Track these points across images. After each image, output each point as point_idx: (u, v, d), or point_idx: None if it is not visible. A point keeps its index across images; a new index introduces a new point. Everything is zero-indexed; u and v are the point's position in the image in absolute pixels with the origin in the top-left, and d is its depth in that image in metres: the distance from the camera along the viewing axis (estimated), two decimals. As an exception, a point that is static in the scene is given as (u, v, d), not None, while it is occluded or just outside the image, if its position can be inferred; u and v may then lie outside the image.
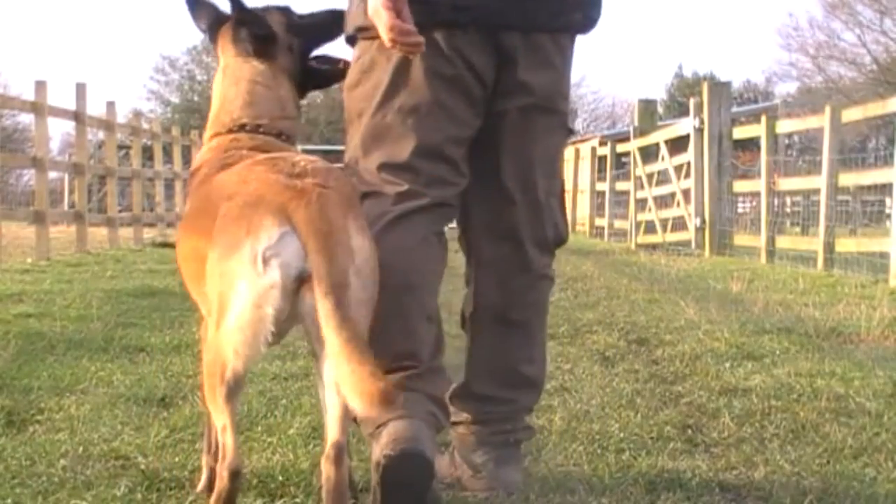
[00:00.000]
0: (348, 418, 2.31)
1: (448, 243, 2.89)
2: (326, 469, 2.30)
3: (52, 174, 21.77)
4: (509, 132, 2.82)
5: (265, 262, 2.23)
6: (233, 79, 2.80)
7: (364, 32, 2.76)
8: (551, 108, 2.84)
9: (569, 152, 25.43)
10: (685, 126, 14.86)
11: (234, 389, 2.33)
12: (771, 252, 12.20)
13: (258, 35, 2.80)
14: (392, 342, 2.62)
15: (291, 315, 2.27)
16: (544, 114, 2.82)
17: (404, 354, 2.67)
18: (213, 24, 2.88)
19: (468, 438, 2.88)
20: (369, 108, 2.78)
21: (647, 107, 19.13)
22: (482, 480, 2.84)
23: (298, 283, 2.23)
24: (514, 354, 2.89)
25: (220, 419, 2.34)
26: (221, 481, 2.33)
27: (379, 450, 2.55)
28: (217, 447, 2.49)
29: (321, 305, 2.18)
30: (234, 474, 2.32)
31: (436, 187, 2.78)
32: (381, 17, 2.57)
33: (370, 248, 2.34)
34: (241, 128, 2.74)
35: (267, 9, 2.88)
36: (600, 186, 21.34)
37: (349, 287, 2.23)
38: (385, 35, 2.58)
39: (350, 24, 2.82)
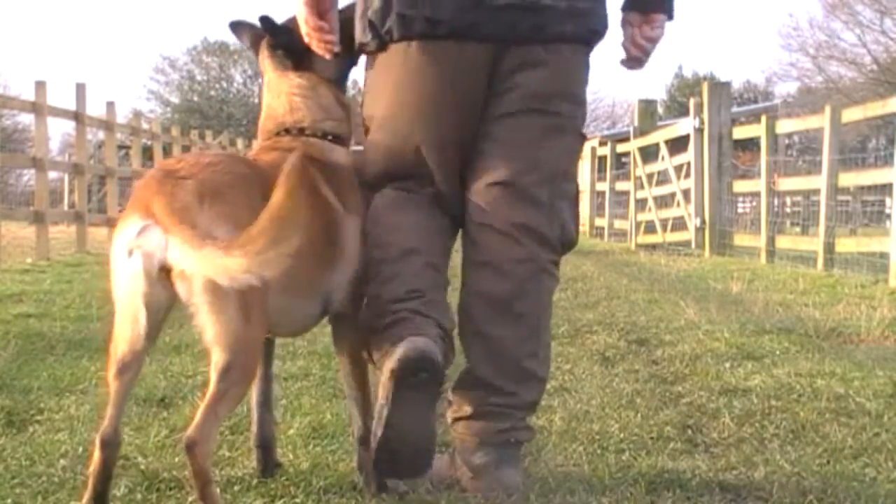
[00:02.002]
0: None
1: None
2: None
3: (52, 174, 21.77)
4: (507, 133, 2.90)
5: (129, 253, 2.43)
6: (275, 92, 2.97)
7: (364, 47, 2.95)
8: (547, 109, 2.89)
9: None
10: (685, 126, 14.85)
11: (122, 369, 2.54)
12: (771, 252, 12.20)
13: (293, 51, 2.95)
14: (401, 283, 2.80)
15: (170, 299, 2.44)
16: (541, 115, 2.89)
17: (413, 289, 2.81)
18: (254, 41, 3.05)
19: (468, 440, 2.88)
20: (373, 118, 2.96)
21: (647, 107, 19.11)
22: (481, 482, 2.84)
23: (166, 270, 2.39)
24: (518, 347, 2.89)
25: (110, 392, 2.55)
26: (96, 450, 2.53)
27: (394, 356, 2.66)
28: (260, 433, 2.97)
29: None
30: (104, 443, 2.52)
31: (434, 187, 2.94)
32: (299, 12, 2.85)
33: (226, 231, 2.41)
34: (286, 132, 2.93)
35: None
36: (600, 186, 21.34)
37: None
38: (301, 27, 2.86)
39: (357, 41, 2.98)
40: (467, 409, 2.89)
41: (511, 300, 2.89)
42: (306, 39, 2.87)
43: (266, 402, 3.05)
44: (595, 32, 2.94)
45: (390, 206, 2.93)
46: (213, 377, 2.49)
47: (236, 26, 3.12)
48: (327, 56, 2.89)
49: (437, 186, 2.93)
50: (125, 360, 2.53)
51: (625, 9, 3.08)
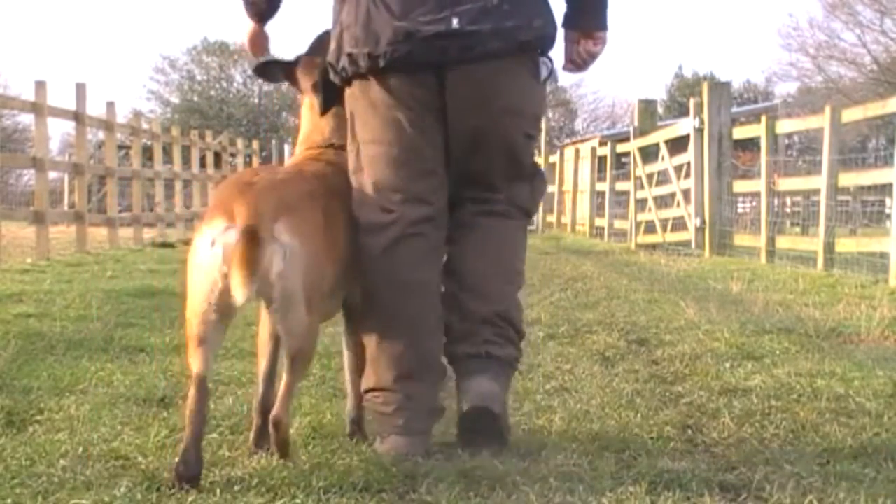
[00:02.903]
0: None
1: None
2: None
3: (52, 174, 21.79)
4: (467, 142, 3.34)
5: (213, 243, 2.87)
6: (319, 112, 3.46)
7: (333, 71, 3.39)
8: (491, 113, 3.31)
9: (569, 152, 25.45)
10: (685, 126, 14.85)
11: (201, 341, 2.90)
12: (771, 252, 12.19)
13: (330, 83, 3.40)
14: (403, 363, 3.23)
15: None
16: (490, 121, 3.32)
17: (410, 371, 3.24)
18: (288, 74, 3.55)
19: (457, 368, 3.31)
20: (351, 140, 3.36)
21: (647, 107, 19.10)
22: (461, 394, 3.26)
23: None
24: (481, 268, 3.33)
25: (193, 354, 2.94)
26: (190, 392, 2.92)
27: (382, 450, 3.18)
28: (263, 402, 3.19)
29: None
30: (200, 379, 2.90)
31: (415, 204, 3.31)
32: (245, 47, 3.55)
33: (291, 242, 2.90)
34: (330, 146, 3.43)
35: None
36: (600, 186, 21.34)
37: (290, 267, 2.87)
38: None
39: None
40: (446, 336, 3.32)
41: (473, 238, 3.35)
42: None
43: (271, 377, 3.27)
44: (525, 44, 3.28)
45: (396, 258, 3.28)
46: (287, 361, 2.96)
47: (263, 70, 3.61)
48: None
49: (429, 201, 3.33)
50: (200, 334, 2.90)
51: (565, 26, 3.47)
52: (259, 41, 3.53)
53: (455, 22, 3.20)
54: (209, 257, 2.84)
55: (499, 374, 3.26)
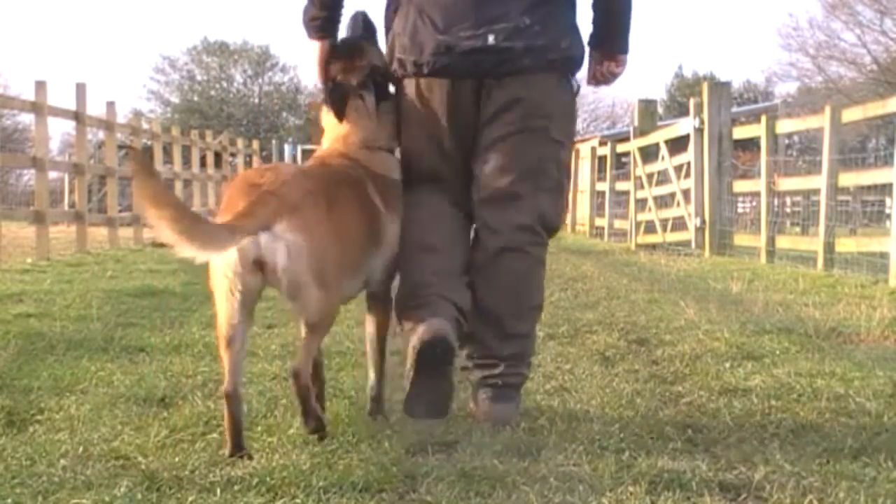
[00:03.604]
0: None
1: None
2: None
3: (52, 174, 21.77)
4: (492, 148, 3.72)
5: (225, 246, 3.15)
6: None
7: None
8: (523, 125, 3.68)
9: (569, 152, 25.46)
10: (685, 126, 14.84)
11: (229, 342, 3.25)
12: (771, 252, 12.19)
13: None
14: (426, 270, 3.65)
15: (261, 283, 3.24)
16: (518, 130, 3.68)
17: (435, 273, 3.65)
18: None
19: (474, 383, 3.74)
20: (403, 132, 3.78)
21: (647, 107, 19.08)
22: (482, 414, 3.66)
23: (258, 262, 3.19)
24: (499, 309, 3.70)
25: (223, 360, 3.32)
26: (225, 405, 3.27)
27: (416, 337, 3.49)
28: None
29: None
30: (228, 396, 3.25)
31: (451, 188, 3.80)
32: (316, 67, 3.79)
33: (294, 238, 3.22)
34: (367, 148, 3.71)
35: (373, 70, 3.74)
36: (600, 186, 21.34)
37: (297, 260, 3.21)
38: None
39: None
40: (470, 359, 3.76)
41: (494, 277, 3.71)
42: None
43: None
44: (556, 62, 3.69)
45: (420, 208, 3.73)
46: (305, 331, 3.34)
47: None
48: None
49: (453, 187, 3.77)
50: (228, 334, 3.25)
51: (590, 45, 3.88)
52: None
53: (491, 38, 3.62)
54: (224, 258, 3.16)
55: (513, 397, 3.71)
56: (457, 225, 3.82)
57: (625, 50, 3.87)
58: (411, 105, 3.73)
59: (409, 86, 3.73)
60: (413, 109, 3.73)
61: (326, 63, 3.74)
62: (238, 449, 3.17)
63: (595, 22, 3.84)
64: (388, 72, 3.77)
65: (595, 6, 3.82)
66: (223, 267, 3.18)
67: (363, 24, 3.79)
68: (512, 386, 3.70)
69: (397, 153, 3.82)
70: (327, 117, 3.75)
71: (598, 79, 3.92)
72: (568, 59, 3.73)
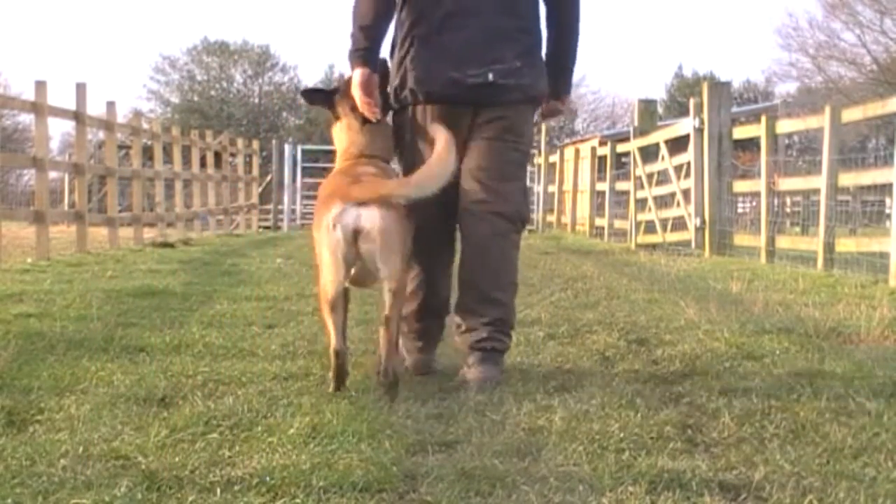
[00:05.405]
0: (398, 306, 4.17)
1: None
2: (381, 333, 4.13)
3: (52, 174, 21.80)
4: (480, 153, 4.57)
5: (334, 226, 4.03)
6: (356, 132, 4.52)
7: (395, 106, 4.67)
8: (503, 139, 4.57)
9: (569, 152, 25.46)
10: (685, 126, 14.84)
11: (334, 305, 4.06)
12: (771, 252, 12.19)
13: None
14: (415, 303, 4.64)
15: (358, 254, 4.04)
16: (501, 143, 4.57)
17: (421, 309, 4.66)
18: (329, 102, 4.62)
19: (464, 347, 4.47)
20: (412, 148, 4.59)
21: (647, 107, 19.07)
22: (471, 374, 4.37)
23: (355, 235, 4.02)
24: (485, 284, 4.49)
25: (328, 324, 4.11)
26: (331, 360, 4.10)
27: (408, 362, 4.63)
28: (340, 349, 4.10)
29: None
30: (337, 353, 4.06)
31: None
32: (355, 91, 4.45)
33: (390, 214, 4.11)
34: (365, 157, 4.47)
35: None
36: (600, 186, 21.32)
37: (384, 231, 4.05)
38: (357, 100, 4.47)
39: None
40: (460, 328, 4.50)
41: (479, 255, 4.52)
42: (359, 107, 4.47)
43: (344, 328, 4.21)
44: (533, 97, 4.65)
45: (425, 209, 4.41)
46: (389, 297, 4.08)
47: (311, 96, 4.96)
48: (373, 119, 4.50)
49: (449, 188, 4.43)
50: (334, 298, 4.06)
51: None
52: (372, 83, 4.44)
53: (491, 76, 4.48)
54: (336, 231, 3.99)
55: (497, 361, 4.46)
56: (444, 227, 4.68)
57: (567, 91, 4.88)
58: (420, 126, 4.52)
59: (419, 111, 4.52)
60: (423, 130, 4.51)
61: (370, 88, 4.44)
62: (340, 389, 4.05)
63: (549, 73, 4.69)
64: (387, 98, 4.56)
65: (548, 61, 4.69)
66: (332, 240, 3.99)
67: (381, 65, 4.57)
68: (497, 350, 4.45)
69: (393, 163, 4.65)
70: (343, 133, 4.53)
71: (545, 115, 4.89)
72: (541, 94, 4.69)
